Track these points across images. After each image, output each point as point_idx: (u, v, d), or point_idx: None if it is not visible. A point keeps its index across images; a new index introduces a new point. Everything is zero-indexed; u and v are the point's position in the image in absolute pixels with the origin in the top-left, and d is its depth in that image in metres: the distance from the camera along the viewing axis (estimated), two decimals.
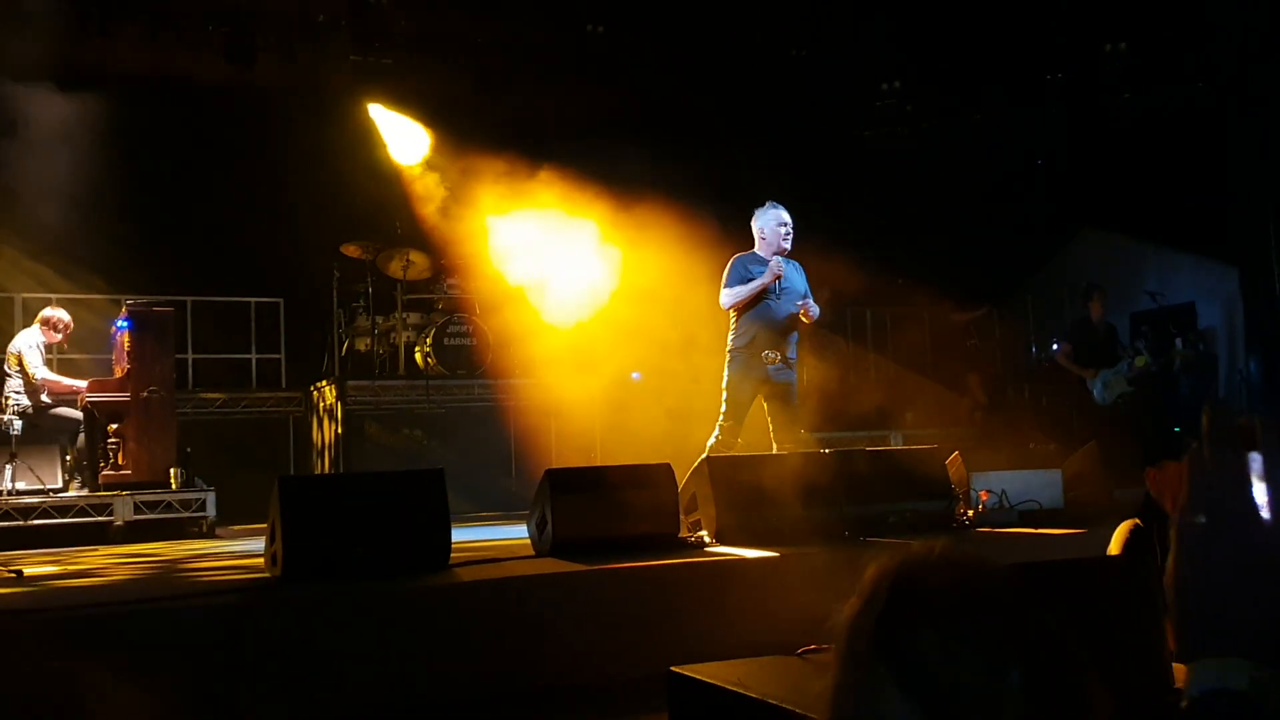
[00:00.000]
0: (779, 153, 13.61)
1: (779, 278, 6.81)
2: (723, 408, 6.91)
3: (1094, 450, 7.31)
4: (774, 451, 6.87)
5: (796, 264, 7.04)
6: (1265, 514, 0.77)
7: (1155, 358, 10.67)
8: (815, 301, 6.97)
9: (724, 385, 6.95)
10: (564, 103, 13.31)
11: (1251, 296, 12.98)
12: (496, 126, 12.36)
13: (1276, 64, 12.34)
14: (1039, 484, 6.94)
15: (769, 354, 6.81)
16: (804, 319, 6.91)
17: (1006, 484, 6.83)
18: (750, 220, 7.12)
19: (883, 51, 13.82)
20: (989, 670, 0.84)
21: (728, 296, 6.85)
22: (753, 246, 7.08)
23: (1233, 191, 13.01)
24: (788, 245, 6.85)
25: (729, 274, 6.91)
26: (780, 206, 6.98)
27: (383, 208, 10.96)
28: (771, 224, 6.92)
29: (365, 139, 12.41)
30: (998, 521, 6.61)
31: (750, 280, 6.85)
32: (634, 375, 11.37)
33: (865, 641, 0.90)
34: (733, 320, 7.00)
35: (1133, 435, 8.96)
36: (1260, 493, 0.77)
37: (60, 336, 8.94)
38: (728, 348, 7.00)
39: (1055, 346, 10.54)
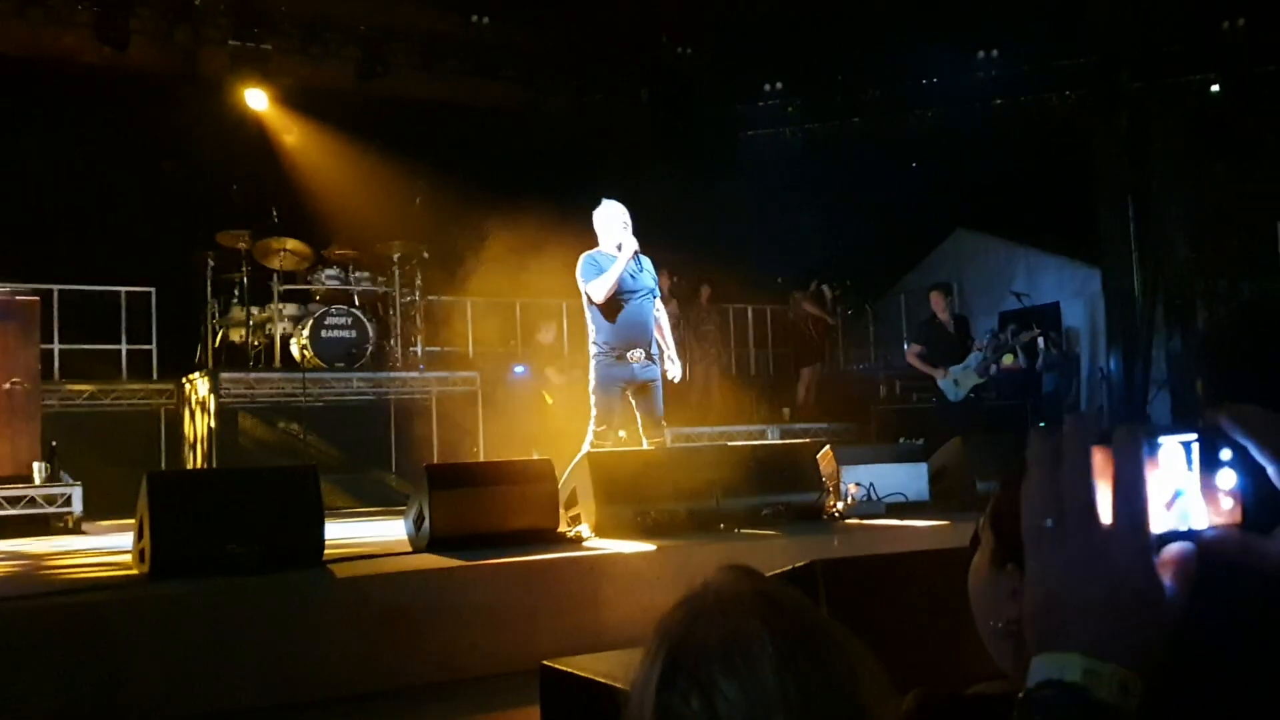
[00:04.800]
0: (661, 150, 13.73)
1: (637, 252, 6.81)
2: (593, 411, 6.88)
3: (958, 445, 7.58)
4: (642, 444, 6.91)
5: (646, 259, 7.05)
6: (1105, 516, 0.82)
7: (1014, 351, 11.02)
8: (663, 299, 7.16)
9: (591, 389, 6.90)
10: (447, 93, 13.22)
11: (1112, 297, 13.55)
12: (378, 114, 12.24)
13: (1138, 75, 12.90)
14: (906, 477, 7.18)
15: (633, 352, 6.83)
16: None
17: (875, 477, 7.03)
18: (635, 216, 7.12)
19: (765, 53, 14.03)
20: None
21: (597, 287, 6.76)
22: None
23: (1096, 196, 13.56)
24: (628, 237, 6.79)
25: (583, 270, 6.85)
26: (615, 203, 6.95)
27: (260, 196, 10.73)
28: (608, 220, 6.89)
29: (243, 125, 12.16)
30: (866, 513, 6.81)
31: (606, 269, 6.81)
32: (517, 370, 11.36)
33: (647, 710, 0.95)
34: (592, 324, 6.96)
35: (996, 430, 9.26)
36: (1101, 495, 0.83)
37: None
38: (591, 352, 6.95)
39: (906, 347, 10.86)
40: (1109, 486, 0.82)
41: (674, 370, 7.11)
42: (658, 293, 7.16)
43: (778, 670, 0.92)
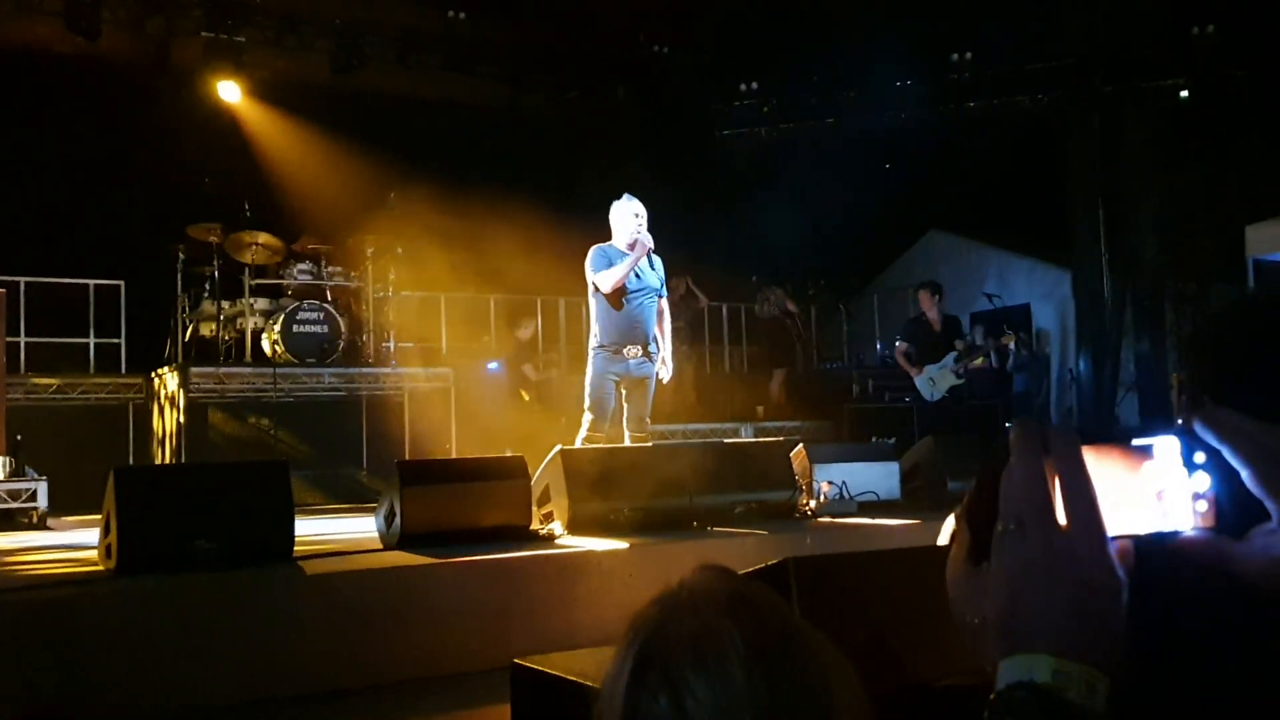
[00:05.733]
0: (638, 147, 13.73)
1: (650, 251, 6.88)
2: (586, 403, 6.95)
3: (930, 444, 7.62)
4: (624, 440, 6.94)
5: (659, 259, 7.11)
6: (1061, 518, 0.83)
7: (988, 354, 11.10)
8: (670, 289, 7.20)
9: (586, 382, 6.98)
10: (423, 88, 13.16)
11: (1082, 299, 13.66)
12: (353, 109, 12.18)
13: (1110, 79, 13.00)
14: (878, 476, 7.21)
15: (630, 349, 6.88)
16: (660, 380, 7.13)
17: (847, 476, 7.06)
18: (608, 213, 7.16)
19: (742, 53, 14.06)
20: None
21: (605, 278, 6.84)
22: (610, 239, 7.13)
23: (1067, 199, 13.68)
24: (642, 235, 6.88)
25: (593, 261, 6.92)
26: (634, 198, 7.02)
27: (232, 189, 10.65)
28: (625, 215, 6.97)
29: (215, 117, 12.06)
30: (838, 512, 6.84)
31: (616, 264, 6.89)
32: (490, 366, 11.33)
33: (616, 707, 0.94)
34: (594, 317, 7.02)
35: (967, 430, 9.32)
36: (1057, 498, 0.83)
37: None
38: (590, 345, 7.02)
39: (897, 344, 10.92)
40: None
41: (665, 373, 7.17)
42: (664, 292, 7.20)
43: (747, 670, 0.91)
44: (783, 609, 0.99)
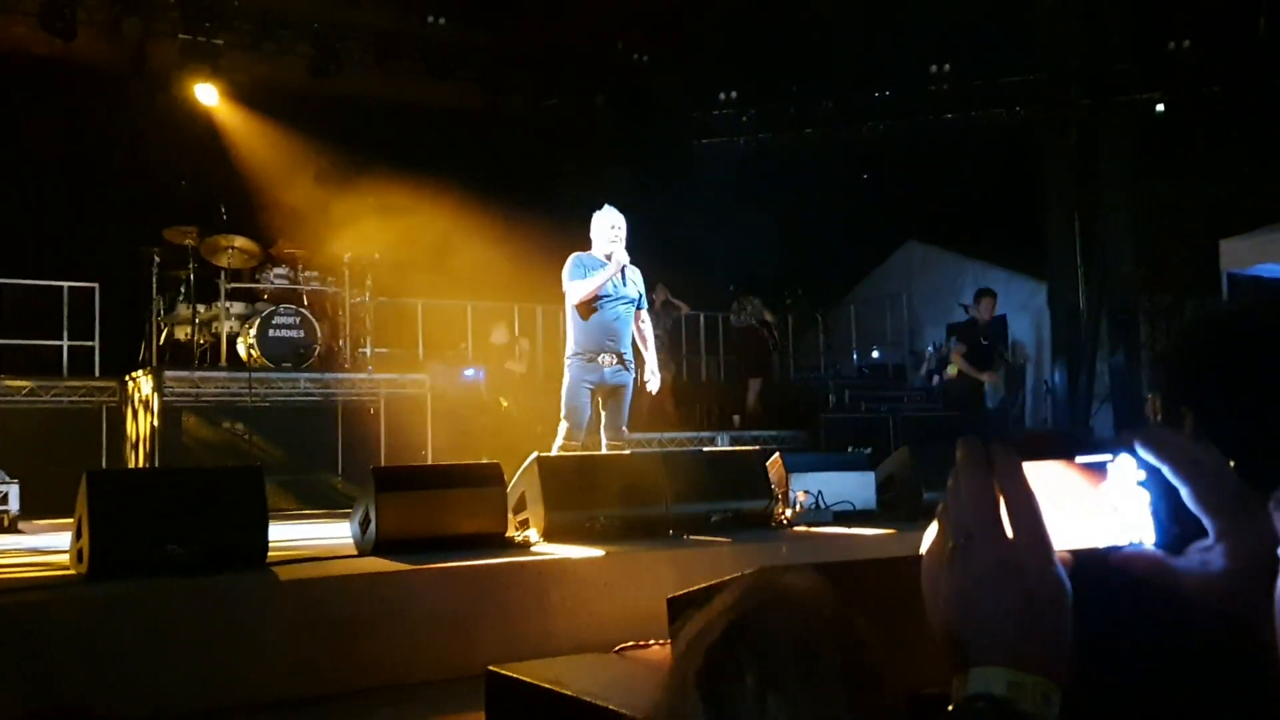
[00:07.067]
0: (616, 155, 13.74)
1: (624, 268, 6.90)
2: (562, 412, 6.94)
3: (906, 455, 7.64)
4: (602, 449, 6.94)
5: (636, 270, 7.13)
6: (1009, 531, 0.84)
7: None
8: (650, 301, 7.22)
9: (563, 390, 6.98)
10: (401, 92, 13.14)
11: (1058, 311, 13.76)
12: (331, 113, 12.14)
13: (1087, 92, 13.11)
14: (854, 486, 7.23)
15: (605, 357, 6.89)
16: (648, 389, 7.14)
17: (824, 485, 7.08)
18: (587, 220, 7.18)
19: (721, 62, 14.11)
20: None
21: (575, 290, 6.88)
22: (590, 248, 7.14)
23: (1044, 212, 13.78)
24: (618, 248, 6.90)
25: (570, 270, 6.95)
26: (613, 209, 7.05)
27: (208, 192, 10.60)
28: (603, 226, 7.00)
29: (192, 120, 12.00)
30: (814, 521, 6.85)
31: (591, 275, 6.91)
32: (467, 373, 11.31)
33: (692, 671, 0.94)
34: (569, 326, 7.03)
35: (943, 441, 9.36)
36: (1004, 513, 0.84)
37: None
38: (566, 354, 7.03)
39: (952, 343, 11.00)
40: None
41: (654, 383, 7.18)
42: (643, 304, 7.21)
43: (837, 687, 0.91)
44: (872, 641, 0.99)
